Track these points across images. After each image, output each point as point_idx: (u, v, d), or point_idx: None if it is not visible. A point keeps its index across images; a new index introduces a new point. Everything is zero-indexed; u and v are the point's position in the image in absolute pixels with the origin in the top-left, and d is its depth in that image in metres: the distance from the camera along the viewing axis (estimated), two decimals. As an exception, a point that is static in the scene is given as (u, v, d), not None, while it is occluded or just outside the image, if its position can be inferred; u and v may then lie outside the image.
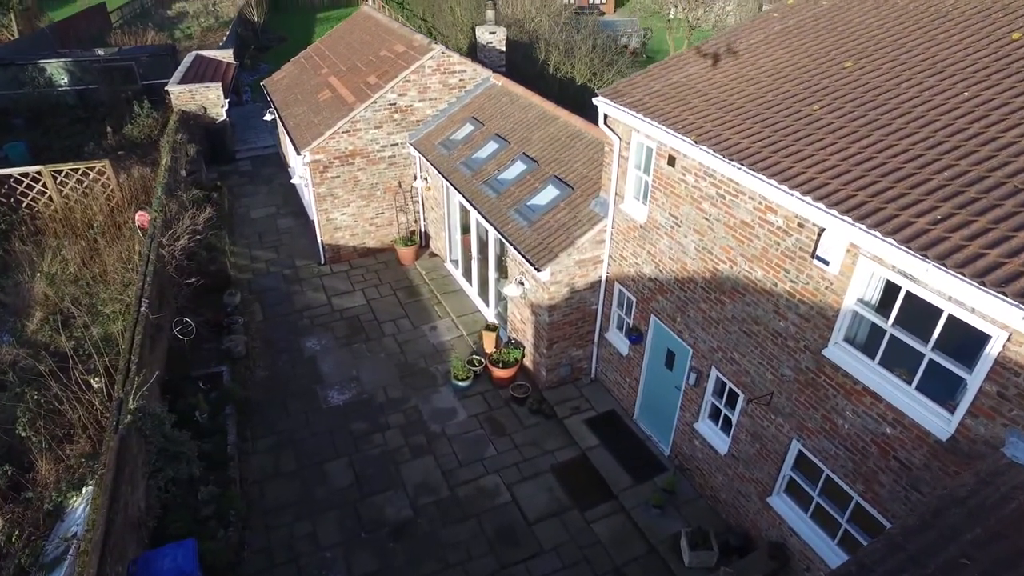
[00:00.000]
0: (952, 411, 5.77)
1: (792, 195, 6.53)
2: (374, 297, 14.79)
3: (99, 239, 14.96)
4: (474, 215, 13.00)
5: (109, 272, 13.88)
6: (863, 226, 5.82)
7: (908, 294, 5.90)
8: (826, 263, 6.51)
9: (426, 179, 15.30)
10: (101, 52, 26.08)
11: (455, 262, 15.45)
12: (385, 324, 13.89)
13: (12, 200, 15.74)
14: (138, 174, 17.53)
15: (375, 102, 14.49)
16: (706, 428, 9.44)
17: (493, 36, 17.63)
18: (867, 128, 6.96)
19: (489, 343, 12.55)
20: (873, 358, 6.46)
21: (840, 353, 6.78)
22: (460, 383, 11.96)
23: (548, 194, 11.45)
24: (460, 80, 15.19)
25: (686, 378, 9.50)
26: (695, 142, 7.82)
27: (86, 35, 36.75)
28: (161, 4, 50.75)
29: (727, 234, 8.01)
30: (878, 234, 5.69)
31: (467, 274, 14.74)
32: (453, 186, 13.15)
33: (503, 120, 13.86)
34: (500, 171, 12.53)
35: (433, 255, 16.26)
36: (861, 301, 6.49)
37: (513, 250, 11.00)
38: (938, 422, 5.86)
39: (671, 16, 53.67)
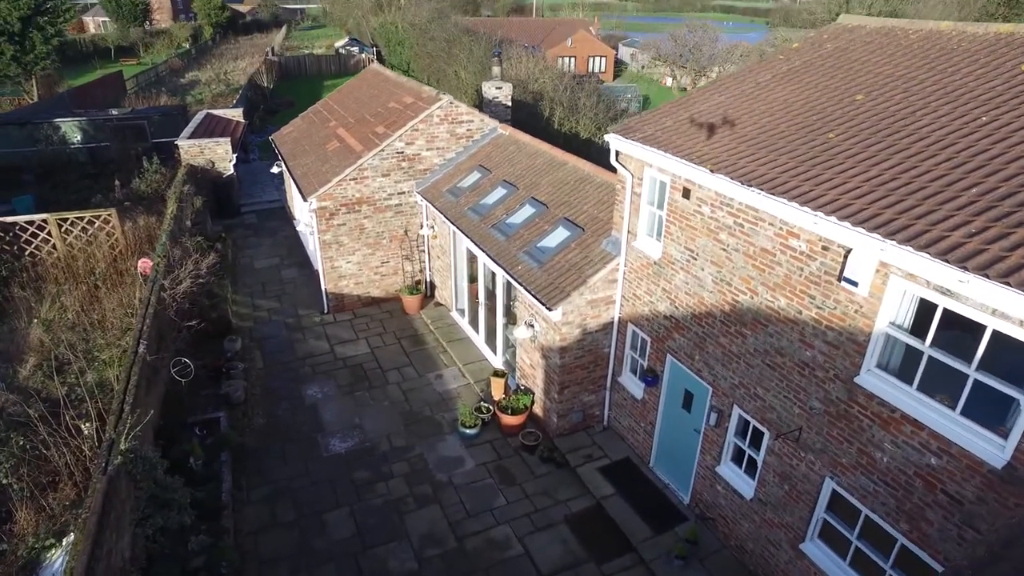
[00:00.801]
0: (1005, 436, 5.39)
1: (816, 216, 6.38)
2: (378, 345, 14.45)
3: (100, 286, 14.77)
4: (482, 259, 12.86)
5: (108, 318, 13.61)
6: (894, 242, 5.62)
7: (946, 312, 5.64)
8: (855, 284, 6.27)
9: (432, 227, 15.26)
10: (115, 112, 26.73)
11: (461, 311, 15.20)
12: (389, 372, 13.49)
13: (15, 248, 15.64)
14: (143, 223, 17.52)
15: (383, 150, 14.63)
16: (729, 471, 8.94)
17: (499, 91, 18.02)
18: (886, 152, 6.89)
19: (498, 390, 12.13)
20: (911, 383, 6.13)
21: (874, 380, 6.45)
22: (468, 431, 11.47)
23: (558, 236, 11.34)
24: (467, 130, 15.40)
25: (706, 419, 9.08)
26: (711, 170, 7.74)
27: (102, 100, 37.86)
28: (174, 73, 52.67)
29: (746, 263, 7.81)
30: (910, 249, 5.49)
31: (474, 322, 14.46)
32: (461, 231, 13.07)
33: (511, 167, 13.95)
34: (508, 215, 12.48)
35: (439, 304, 16.03)
36: (894, 324, 6.22)
37: (523, 291, 10.78)
38: (991, 449, 5.47)
39: (669, 85, 55.74)
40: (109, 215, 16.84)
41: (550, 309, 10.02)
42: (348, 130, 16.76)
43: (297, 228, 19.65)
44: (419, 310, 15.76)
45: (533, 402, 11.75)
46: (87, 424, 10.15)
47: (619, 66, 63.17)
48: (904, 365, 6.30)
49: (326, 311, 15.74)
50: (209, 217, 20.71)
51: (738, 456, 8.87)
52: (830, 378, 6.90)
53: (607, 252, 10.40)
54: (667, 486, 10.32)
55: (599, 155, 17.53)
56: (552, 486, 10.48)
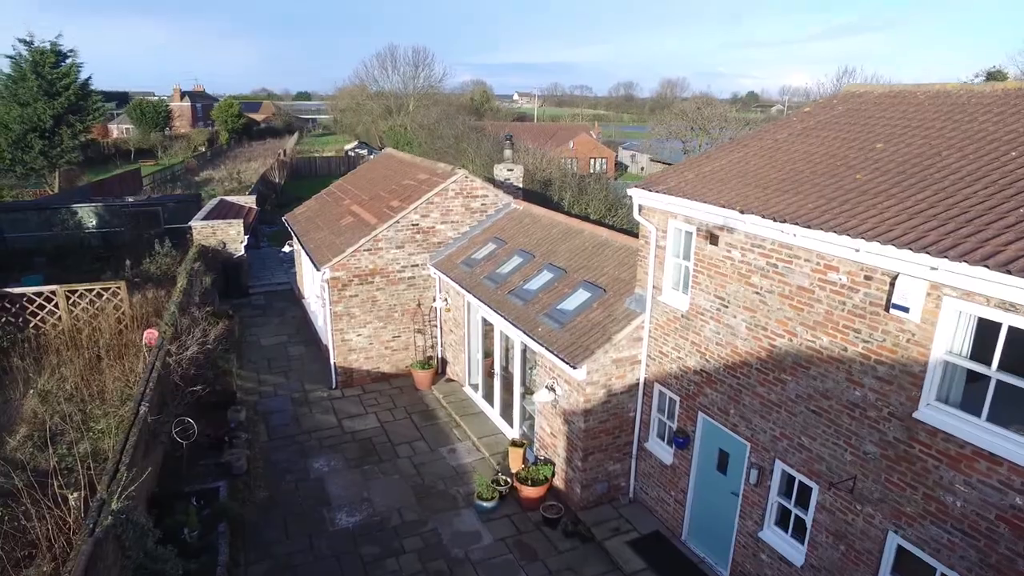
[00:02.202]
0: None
1: (857, 243, 6.22)
2: (388, 420, 13.85)
3: (103, 357, 14.37)
4: (499, 326, 12.60)
5: (108, 389, 13.14)
6: (947, 259, 5.42)
7: (1011, 330, 5.34)
8: (905, 310, 6.00)
9: (446, 299, 15.10)
10: (130, 199, 27.39)
11: (475, 386, 14.72)
12: (400, 446, 12.82)
13: (20, 320, 15.39)
14: (151, 296, 17.39)
15: (398, 222, 14.76)
16: (774, 536, 8.20)
17: (511, 173, 18.46)
18: (919, 186, 6.85)
19: (516, 461, 11.46)
20: (979, 414, 5.70)
21: (935, 414, 6.01)
22: (485, 504, 10.71)
23: (579, 298, 11.15)
24: (482, 204, 15.63)
25: (744, 479, 8.47)
26: (741, 211, 7.68)
27: (119, 194, 38.99)
28: (190, 172, 54.71)
29: (782, 304, 7.57)
30: (966, 264, 5.28)
31: (488, 396, 13.95)
32: (476, 299, 12.89)
33: (526, 237, 14.01)
34: (526, 281, 12.36)
35: (450, 380, 15.54)
36: (951, 351, 5.88)
37: (544, 353, 10.44)
38: (1081, 476, 4.98)
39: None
40: (118, 287, 16.73)
41: (574, 367, 9.64)
42: (362, 206, 17.03)
43: (306, 305, 19.50)
44: (430, 385, 15.25)
45: (554, 473, 11.05)
46: (75, 494, 9.46)
47: (619, 168, 65.83)
48: (968, 395, 5.90)
49: (334, 386, 15.24)
50: (217, 296, 20.64)
51: (783, 518, 8.18)
52: (884, 417, 6.46)
53: (631, 310, 10.16)
54: (703, 560, 9.46)
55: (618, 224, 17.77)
56: (577, 562, 9.61)
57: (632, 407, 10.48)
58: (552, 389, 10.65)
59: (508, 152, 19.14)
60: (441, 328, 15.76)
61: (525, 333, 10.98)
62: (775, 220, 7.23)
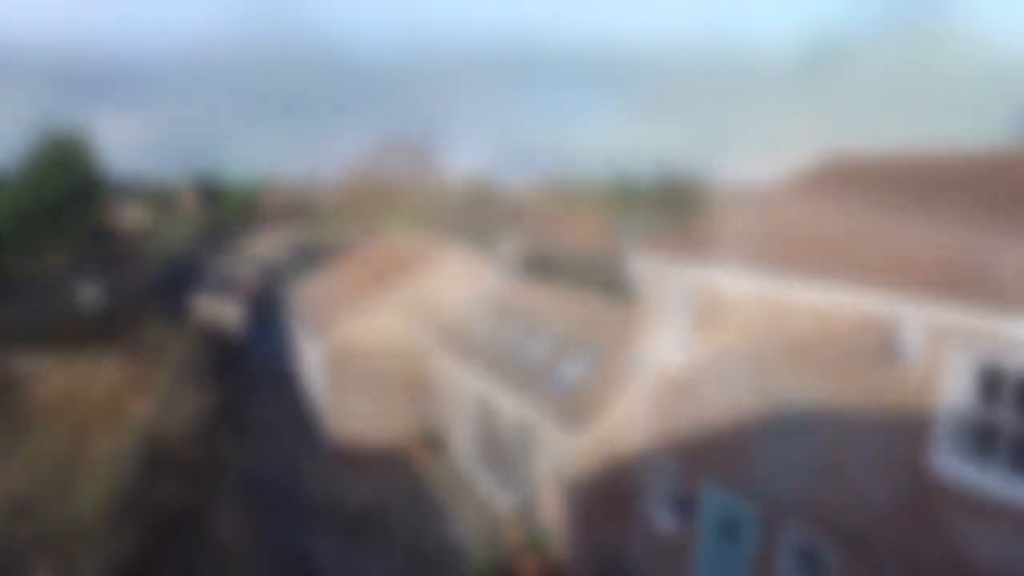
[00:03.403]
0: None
1: (861, 289, 6.26)
2: (387, 489, 13.33)
3: (89, 426, 14.05)
4: (490, 394, 12.39)
5: (94, 456, 12.74)
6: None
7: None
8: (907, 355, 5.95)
9: (444, 372, 14.92)
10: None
11: (470, 455, 14.28)
12: (402, 517, 12.28)
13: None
14: (144, 369, 17.20)
15: (398, 293, 14.86)
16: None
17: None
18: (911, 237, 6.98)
19: (515, 534, 10.90)
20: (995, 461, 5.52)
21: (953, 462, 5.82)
22: (479, 580, 10.11)
23: (577, 364, 11.05)
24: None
25: (753, 544, 8.05)
26: (743, 265, 7.79)
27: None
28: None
29: (782, 360, 7.50)
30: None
31: (484, 462, 13.47)
32: (471, 370, 12.75)
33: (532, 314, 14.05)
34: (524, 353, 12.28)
35: (443, 450, 15.08)
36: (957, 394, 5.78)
37: (544, 419, 10.20)
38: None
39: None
40: (111, 359, 16.64)
41: (575, 433, 9.41)
42: (362, 278, 17.21)
43: (304, 378, 19.27)
44: (432, 460, 14.80)
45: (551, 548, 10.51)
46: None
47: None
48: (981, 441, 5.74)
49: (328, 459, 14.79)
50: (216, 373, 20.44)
51: (796, 589, 7.70)
52: (901, 466, 6.25)
53: (628, 371, 10.05)
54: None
55: None
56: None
57: (631, 475, 10.11)
58: (549, 458, 10.31)
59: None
60: (437, 399, 15.48)
61: (522, 402, 10.77)
62: (776, 272, 7.31)
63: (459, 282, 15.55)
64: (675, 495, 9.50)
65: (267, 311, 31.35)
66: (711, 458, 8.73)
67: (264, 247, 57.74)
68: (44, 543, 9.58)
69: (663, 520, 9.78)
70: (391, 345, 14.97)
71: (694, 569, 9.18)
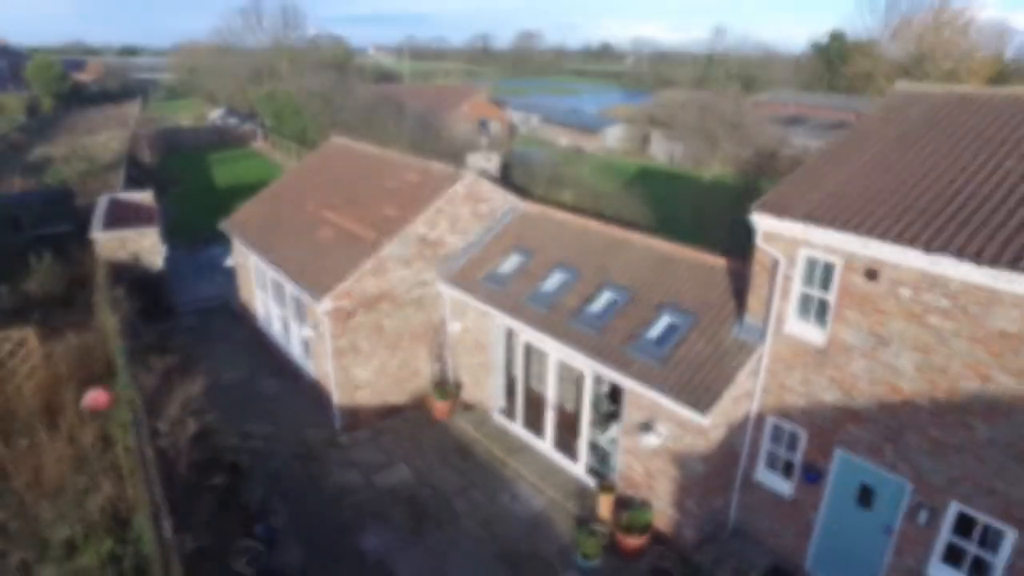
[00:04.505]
0: None
1: None
2: (422, 467, 12.18)
3: (31, 433, 11.22)
4: (559, 355, 11.31)
5: (50, 479, 10.24)
6: None
7: None
8: None
9: (463, 320, 13.40)
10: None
11: (506, 412, 13.37)
12: (454, 500, 11.31)
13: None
14: (77, 343, 13.90)
15: (406, 235, 12.74)
16: (943, 574, 8.00)
17: (488, 163, 16.73)
18: None
19: (606, 507, 10.45)
20: None
21: None
22: (590, 563, 9.66)
23: (666, 325, 10.15)
24: (490, 208, 13.95)
25: (905, 516, 8.14)
26: (925, 250, 7.03)
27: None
28: (17, 150, 45.66)
29: (973, 349, 7.10)
30: None
31: (533, 426, 12.68)
32: (526, 325, 11.45)
33: (560, 248, 12.63)
34: (587, 304, 11.10)
35: (469, 406, 14.02)
36: None
37: (649, 394, 9.40)
38: None
39: (564, 145, 57.56)
40: (25, 337, 13.23)
41: (702, 412, 8.72)
42: (339, 213, 14.60)
43: (261, 325, 16.75)
44: (449, 414, 13.67)
45: (653, 516, 10.21)
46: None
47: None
48: None
49: (339, 430, 13.17)
50: (140, 324, 17.16)
51: (954, 556, 7.97)
52: None
53: (743, 340, 9.37)
54: (842, 596, 9.18)
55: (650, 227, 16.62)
56: (716, 619, 8.95)
57: (740, 441, 9.82)
58: (652, 429, 9.68)
59: (484, 140, 17.38)
60: (452, 348, 14.09)
61: (617, 371, 9.83)
62: (978, 264, 6.66)
63: (469, 211, 13.62)
64: (794, 460, 9.34)
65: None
66: (852, 432, 8.50)
67: (108, 135, 48.66)
68: None
69: (776, 483, 9.70)
70: (402, 291, 13.08)
71: (816, 528, 9.29)
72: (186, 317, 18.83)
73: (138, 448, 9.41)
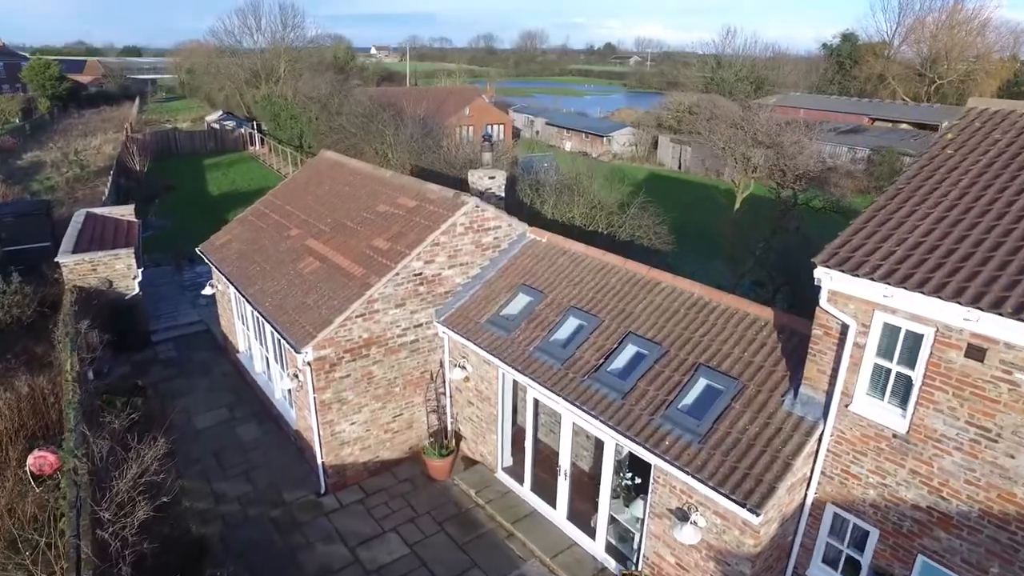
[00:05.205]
0: None
1: None
2: (417, 539, 10.62)
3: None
4: (575, 420, 9.75)
5: None
6: None
7: None
8: None
9: (464, 367, 11.84)
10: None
11: (512, 471, 11.81)
12: (452, 584, 9.76)
13: None
14: (27, 390, 12.38)
15: (397, 274, 11.19)
16: None
17: (492, 181, 15.09)
18: None
19: (632, 602, 8.90)
20: None
21: None
22: None
23: (702, 390, 8.59)
24: (495, 238, 12.39)
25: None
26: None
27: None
28: (8, 154, 44.29)
29: (1118, 460, 5.51)
30: None
31: (544, 491, 11.11)
32: (535, 383, 9.88)
33: (574, 288, 11.06)
34: (607, 360, 9.53)
35: (470, 460, 12.46)
36: None
37: (687, 480, 7.82)
38: None
39: (568, 149, 56.01)
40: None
41: (755, 511, 7.14)
42: (325, 242, 13.05)
43: (241, 359, 15.23)
44: (449, 473, 12.11)
45: (685, 616, 8.64)
46: None
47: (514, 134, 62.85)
48: None
49: (323, 491, 11.63)
50: (112, 356, 15.66)
51: None
52: None
53: (800, 416, 7.79)
54: None
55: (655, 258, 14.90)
56: None
57: (792, 531, 8.25)
58: (692, 520, 8.10)
59: (488, 156, 15.74)
60: (451, 397, 12.54)
61: (647, 448, 8.25)
62: None
63: (471, 242, 12.07)
64: (870, 564, 7.75)
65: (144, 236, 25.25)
66: (940, 539, 6.91)
67: (102, 138, 47.27)
68: None
69: (834, 585, 8.11)
70: (394, 335, 11.54)
71: (886, 647, 7.71)
72: (164, 346, 17.33)
73: (74, 541, 7.87)
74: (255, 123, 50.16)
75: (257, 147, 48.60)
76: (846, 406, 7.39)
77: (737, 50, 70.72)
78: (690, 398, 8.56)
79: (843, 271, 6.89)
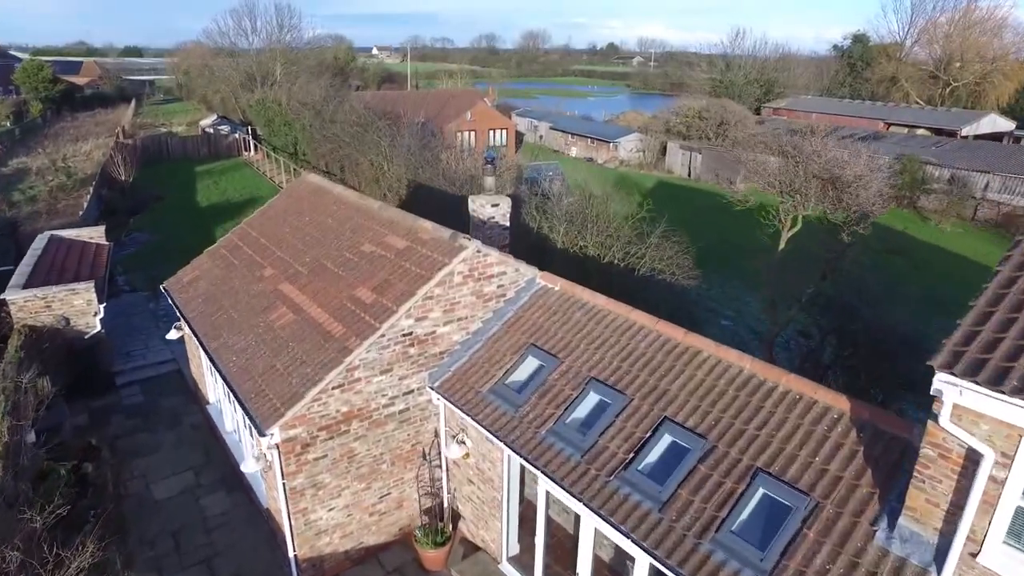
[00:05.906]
0: None
1: None
2: (406, 658, 8.81)
3: None
4: (593, 526, 7.91)
5: None
6: None
7: None
8: None
9: (463, 442, 10.01)
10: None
11: (519, 563, 9.98)
12: None
13: None
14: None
15: (383, 335, 9.36)
16: None
17: (496, 209, 13.24)
18: None
19: None
20: None
21: None
22: None
23: (758, 504, 6.75)
24: (499, 287, 10.56)
25: None
26: None
27: None
28: (-7, 161, 42.53)
29: None
30: None
31: (553, 590, 9.30)
32: (549, 478, 8.04)
33: (595, 353, 9.21)
34: (640, 454, 7.68)
35: (472, 546, 10.63)
36: None
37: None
38: None
39: (573, 155, 54.18)
40: None
41: None
42: (301, 288, 11.23)
43: (211, 411, 13.43)
44: (446, 563, 10.28)
45: None
46: None
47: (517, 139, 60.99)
48: None
49: (297, 589, 9.81)
50: (65, 406, 13.85)
51: None
52: None
53: (896, 555, 5.94)
54: None
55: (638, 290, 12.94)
56: None
57: None
58: None
59: (490, 181, 13.91)
60: (448, 471, 10.71)
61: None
62: None
63: (471, 292, 10.24)
64: None
65: (121, 275, 23.46)
66: None
67: (93, 144, 45.46)
68: None
69: None
70: (379, 406, 9.72)
71: None
72: (129, 390, 15.53)
73: None
74: (250, 128, 48.39)
75: (251, 153, 46.83)
76: (972, 555, 5.54)
77: (747, 52, 68.69)
78: (747, 515, 6.72)
79: (977, 383, 5.04)
